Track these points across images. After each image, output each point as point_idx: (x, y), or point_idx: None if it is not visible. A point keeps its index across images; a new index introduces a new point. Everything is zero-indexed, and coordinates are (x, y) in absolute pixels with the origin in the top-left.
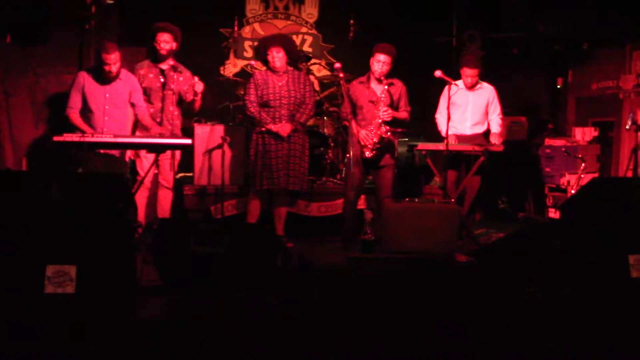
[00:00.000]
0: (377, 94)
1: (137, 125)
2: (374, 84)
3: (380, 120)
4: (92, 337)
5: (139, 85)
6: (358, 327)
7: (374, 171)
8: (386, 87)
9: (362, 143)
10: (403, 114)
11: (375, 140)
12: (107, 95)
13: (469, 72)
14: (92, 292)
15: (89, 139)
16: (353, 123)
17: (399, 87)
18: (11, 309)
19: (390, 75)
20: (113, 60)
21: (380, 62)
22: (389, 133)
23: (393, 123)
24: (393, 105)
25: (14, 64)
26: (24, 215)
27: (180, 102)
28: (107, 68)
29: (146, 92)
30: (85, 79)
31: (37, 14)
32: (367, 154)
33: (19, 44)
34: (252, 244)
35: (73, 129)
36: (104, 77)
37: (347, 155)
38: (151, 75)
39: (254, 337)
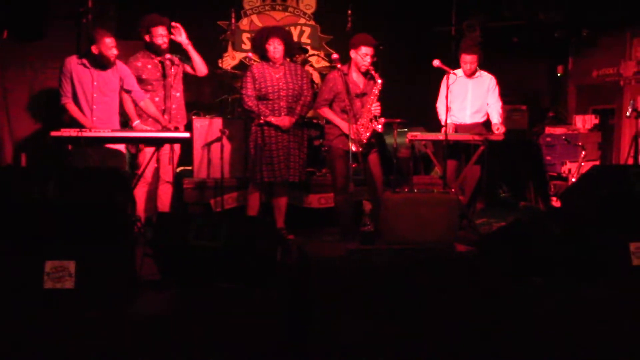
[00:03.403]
0: (360, 87)
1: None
2: (355, 76)
3: (371, 115)
4: (91, 331)
5: (129, 71)
6: (359, 319)
7: (362, 162)
8: (380, 80)
9: (354, 137)
10: None
11: (368, 134)
12: (95, 83)
13: (467, 58)
14: (91, 287)
15: (86, 133)
16: (337, 116)
17: (380, 83)
18: (11, 305)
19: (388, 63)
20: (113, 44)
21: (367, 55)
22: (379, 127)
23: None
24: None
25: (12, 60)
26: (22, 211)
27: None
28: (108, 54)
29: (148, 83)
30: (73, 66)
31: (34, 9)
32: (359, 148)
33: (16, 39)
34: (252, 237)
35: (69, 122)
36: (95, 64)
37: (332, 147)
38: (150, 67)
39: (253, 330)
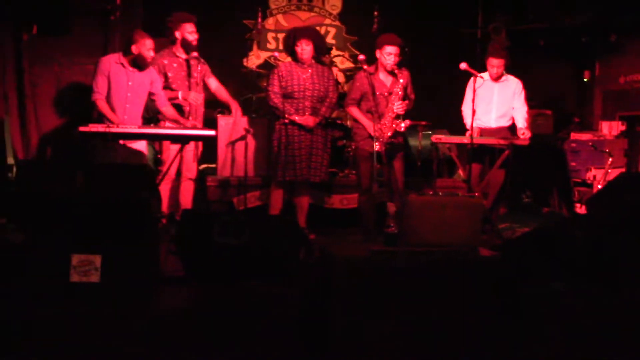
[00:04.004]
0: (387, 86)
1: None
2: (382, 76)
3: (394, 114)
4: (116, 325)
5: (158, 75)
6: (379, 319)
7: (386, 163)
8: (401, 80)
9: (376, 137)
10: (409, 103)
11: (389, 134)
12: (130, 83)
13: (494, 62)
14: (116, 282)
15: (114, 129)
16: (364, 116)
17: (406, 75)
18: (37, 298)
19: (413, 66)
20: (151, 45)
21: (391, 55)
22: (402, 126)
23: (409, 117)
24: (404, 96)
25: (40, 55)
26: (49, 205)
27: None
28: (146, 55)
29: (173, 82)
30: (111, 65)
31: (62, 5)
32: (381, 147)
33: (44, 35)
34: (275, 236)
35: (95, 118)
36: (132, 64)
37: (359, 147)
38: (175, 65)
39: (275, 328)
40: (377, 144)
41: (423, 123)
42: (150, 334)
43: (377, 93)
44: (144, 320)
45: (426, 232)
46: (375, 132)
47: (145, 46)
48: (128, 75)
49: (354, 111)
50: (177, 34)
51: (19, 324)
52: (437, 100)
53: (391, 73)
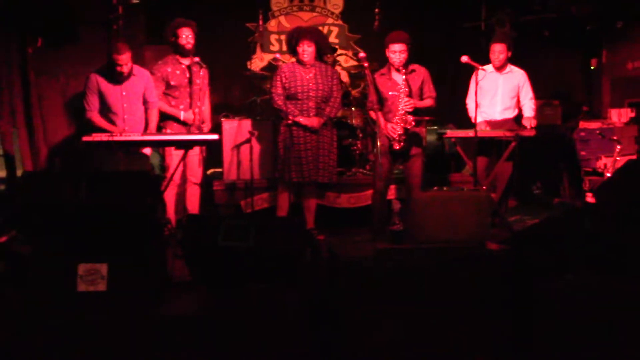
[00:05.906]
0: (399, 84)
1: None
2: (394, 75)
3: (402, 112)
4: (123, 333)
5: (152, 82)
6: (386, 318)
7: (403, 161)
8: (404, 77)
9: (388, 136)
10: (427, 101)
11: (400, 132)
12: (123, 93)
13: (496, 48)
14: (123, 289)
15: (117, 138)
16: (379, 114)
17: (421, 73)
18: (45, 308)
19: (416, 61)
20: (124, 60)
21: (396, 52)
22: (413, 123)
23: (418, 112)
24: (413, 94)
25: (46, 67)
26: (56, 215)
27: None
28: (119, 69)
29: (176, 89)
30: (98, 81)
31: (65, 17)
32: (395, 146)
33: (49, 47)
34: (281, 237)
35: (98, 129)
36: (117, 77)
37: (377, 146)
38: (178, 72)
39: (283, 330)
40: (380, 145)
41: (427, 118)
42: (158, 339)
43: (390, 92)
44: (152, 326)
45: (432, 228)
46: (385, 130)
47: (115, 61)
48: (120, 87)
49: (375, 113)
50: (173, 40)
51: (26, 334)
52: (442, 94)
53: (398, 70)
